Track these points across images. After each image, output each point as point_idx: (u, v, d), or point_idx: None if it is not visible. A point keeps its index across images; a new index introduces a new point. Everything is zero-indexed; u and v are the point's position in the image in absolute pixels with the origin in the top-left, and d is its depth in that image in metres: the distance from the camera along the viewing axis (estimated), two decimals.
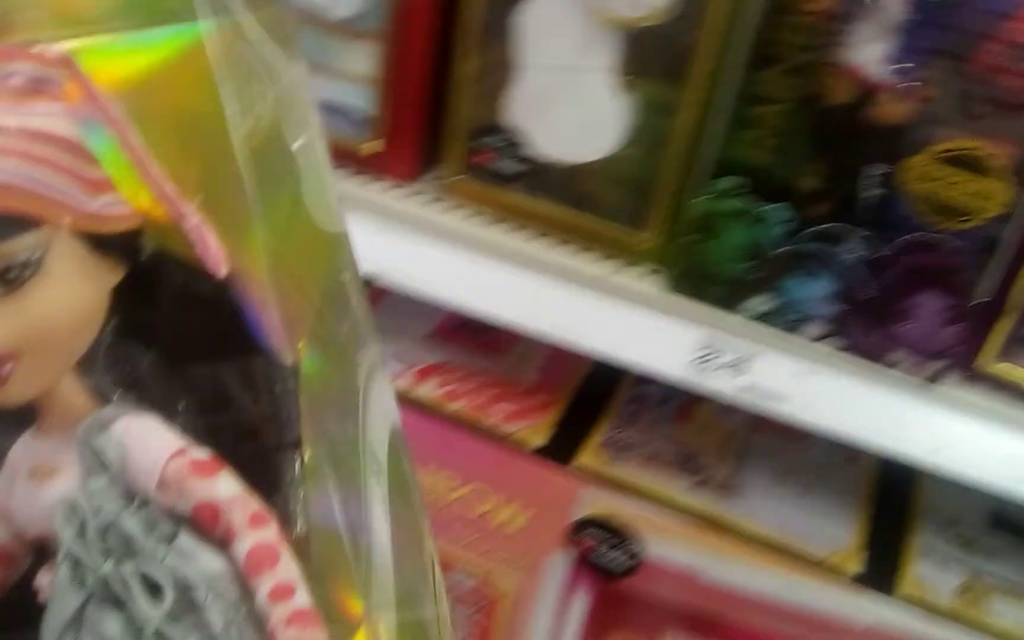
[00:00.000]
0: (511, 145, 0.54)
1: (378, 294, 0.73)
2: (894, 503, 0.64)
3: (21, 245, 0.24)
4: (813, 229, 0.49)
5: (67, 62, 0.24)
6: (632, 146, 0.52)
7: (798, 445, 0.66)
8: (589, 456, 0.63)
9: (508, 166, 0.54)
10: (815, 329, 0.51)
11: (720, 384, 0.51)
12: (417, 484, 0.31)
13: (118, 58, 0.25)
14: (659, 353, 0.52)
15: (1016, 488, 0.48)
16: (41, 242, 0.25)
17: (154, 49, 0.26)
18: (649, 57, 0.50)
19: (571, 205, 0.54)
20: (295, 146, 0.29)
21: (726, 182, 0.49)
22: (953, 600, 0.57)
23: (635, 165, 0.52)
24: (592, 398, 0.68)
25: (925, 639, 0.56)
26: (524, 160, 0.54)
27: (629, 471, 0.62)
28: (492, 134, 0.54)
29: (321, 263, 0.30)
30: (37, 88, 0.24)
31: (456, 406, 0.65)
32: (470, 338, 0.71)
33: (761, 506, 0.61)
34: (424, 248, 0.56)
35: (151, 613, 0.24)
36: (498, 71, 0.53)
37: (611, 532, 0.60)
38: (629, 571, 0.61)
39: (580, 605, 0.64)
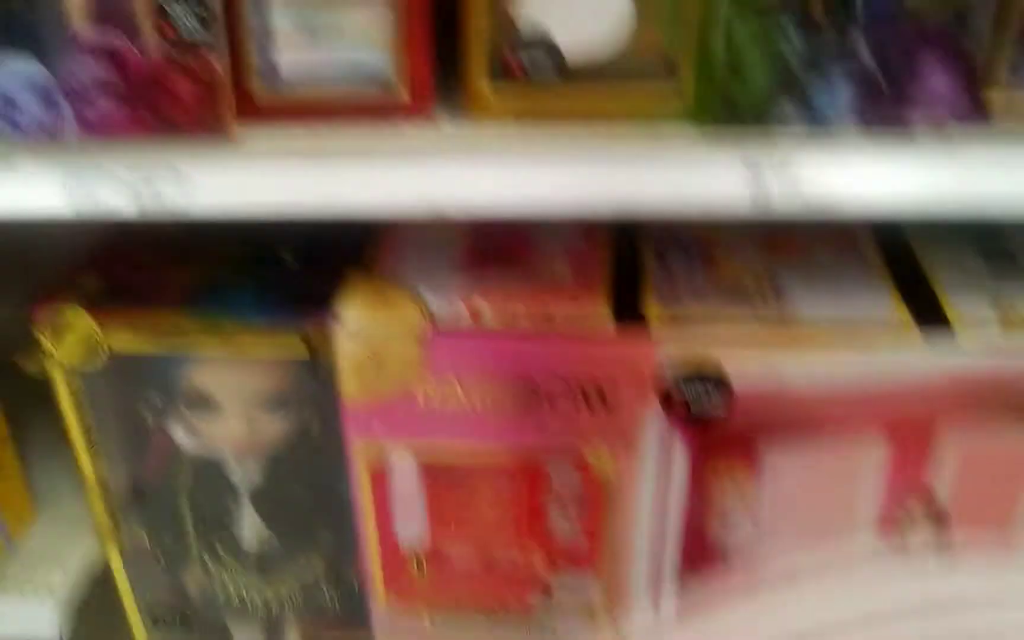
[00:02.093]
0: (532, 52, 0.58)
1: (392, 243, 0.78)
2: (910, 274, 0.73)
3: None
4: (822, 35, 0.56)
5: None
6: (646, 18, 0.58)
7: (811, 258, 0.75)
8: (656, 319, 0.68)
9: (532, 71, 0.59)
10: (840, 123, 0.58)
11: (769, 195, 0.57)
12: None
13: None
14: (714, 187, 0.58)
15: None
16: None
17: None
18: None
19: (599, 90, 0.59)
20: None
21: (738, 14, 0.56)
22: (998, 325, 0.66)
23: (652, 36, 0.58)
24: (624, 273, 0.74)
25: (988, 359, 0.65)
26: (546, 62, 0.58)
27: (694, 319, 0.68)
28: (512, 47, 0.59)
29: None
30: None
31: (519, 318, 0.69)
32: (493, 259, 0.76)
33: (812, 310, 0.69)
34: (463, 172, 0.59)
35: None
36: None
37: (698, 375, 0.66)
38: (722, 407, 0.67)
39: (681, 455, 0.70)
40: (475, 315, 0.70)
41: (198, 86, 0.57)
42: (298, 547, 0.85)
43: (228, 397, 0.77)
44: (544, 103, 0.60)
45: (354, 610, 0.85)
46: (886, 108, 0.57)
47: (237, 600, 0.88)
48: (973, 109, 0.56)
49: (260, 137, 0.60)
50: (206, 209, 0.59)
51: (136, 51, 0.56)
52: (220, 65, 0.57)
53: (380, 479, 0.74)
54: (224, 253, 0.79)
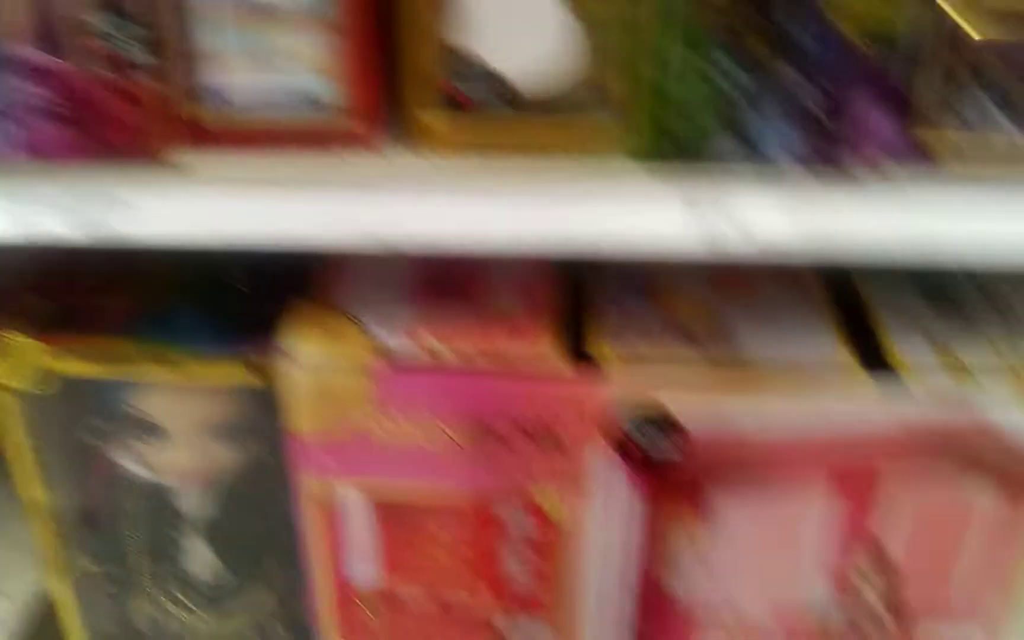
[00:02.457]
0: (475, 81, 0.57)
1: (340, 273, 0.77)
2: (855, 316, 0.72)
3: None
4: (764, 74, 0.55)
5: None
6: (590, 52, 0.57)
7: (758, 297, 0.74)
8: (606, 359, 0.67)
9: (476, 97, 0.58)
10: (782, 162, 0.57)
11: (712, 233, 0.57)
12: None
13: None
14: (658, 225, 0.57)
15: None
16: None
17: None
18: None
19: (542, 122, 0.58)
20: None
21: (681, 52, 0.55)
22: (940, 371, 0.66)
23: (595, 69, 0.57)
24: (575, 312, 0.73)
25: (932, 405, 0.64)
26: (490, 92, 0.57)
27: (644, 356, 0.67)
28: (455, 73, 0.57)
29: None
30: None
31: (469, 354, 0.68)
32: (442, 292, 0.74)
33: (759, 350, 0.68)
34: (411, 204, 0.58)
35: None
36: (448, 16, 0.56)
37: (650, 419, 0.65)
38: (672, 448, 0.66)
39: (632, 501, 0.69)
40: (424, 350, 0.68)
41: (140, 110, 0.56)
42: (249, 582, 0.83)
43: (176, 425, 0.75)
44: (491, 136, 0.59)
45: None
46: (827, 146, 0.56)
47: (186, 633, 0.86)
48: (913, 149, 0.56)
49: (205, 163, 0.59)
50: (150, 237, 0.58)
51: (75, 72, 0.55)
52: (163, 89, 0.55)
53: (331, 516, 0.73)
54: (174, 278, 0.78)
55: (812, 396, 0.64)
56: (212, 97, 0.58)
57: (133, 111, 0.56)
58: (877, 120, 0.55)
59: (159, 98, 0.56)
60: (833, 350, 0.68)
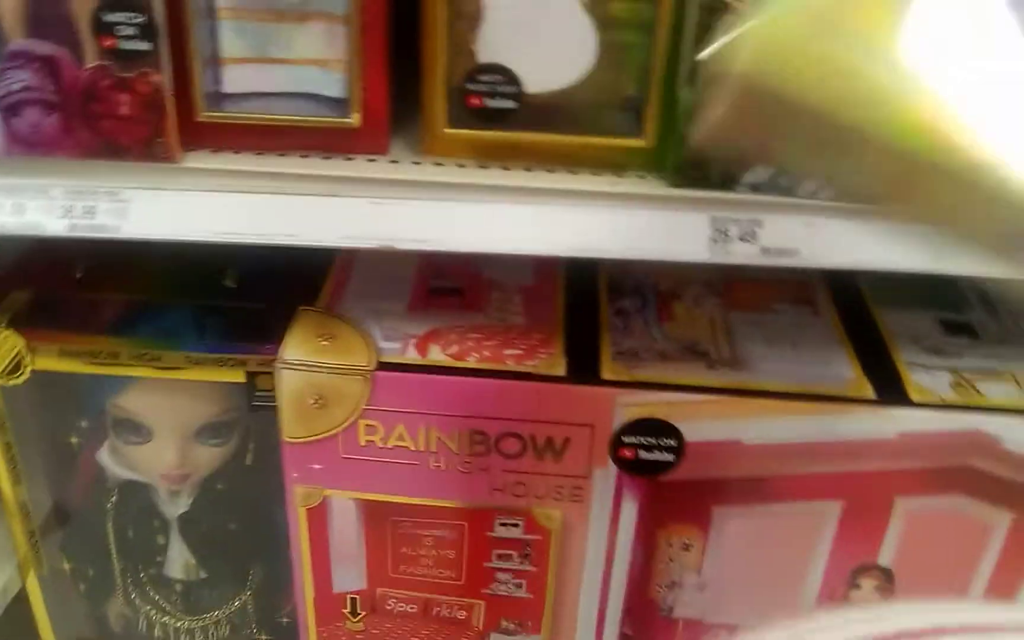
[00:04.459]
0: (493, 85, 0.56)
1: (342, 275, 0.75)
2: (867, 337, 0.71)
3: None
4: None
5: None
6: (611, 60, 0.56)
7: (768, 315, 0.73)
8: (610, 371, 0.66)
9: (493, 105, 0.56)
10: (808, 186, 0.56)
11: (739, 255, 0.56)
12: None
13: None
14: (679, 244, 0.57)
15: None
16: None
17: None
18: None
19: (560, 130, 0.57)
20: None
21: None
22: (954, 395, 0.65)
23: (617, 78, 0.56)
24: (581, 325, 0.71)
25: (945, 429, 0.63)
26: (507, 96, 0.56)
27: (649, 373, 0.66)
28: (472, 79, 0.56)
29: None
30: None
31: (471, 362, 0.67)
32: (447, 302, 0.73)
33: (769, 370, 0.67)
34: (421, 208, 0.57)
35: None
36: (466, 18, 0.55)
37: (652, 430, 0.64)
38: (675, 462, 0.65)
39: (630, 512, 0.68)
40: (424, 355, 0.67)
41: (139, 103, 0.53)
42: (228, 582, 0.81)
43: (159, 424, 0.73)
44: (504, 143, 0.57)
45: None
46: None
47: (160, 634, 0.84)
48: None
49: (203, 160, 0.57)
50: (143, 233, 0.56)
51: (73, 62, 0.52)
52: (163, 81, 0.53)
53: (318, 520, 0.71)
54: (164, 272, 0.75)
55: (819, 414, 0.64)
56: (213, 91, 0.56)
57: (131, 104, 0.54)
58: None
59: (158, 90, 0.54)
60: (844, 368, 0.67)
